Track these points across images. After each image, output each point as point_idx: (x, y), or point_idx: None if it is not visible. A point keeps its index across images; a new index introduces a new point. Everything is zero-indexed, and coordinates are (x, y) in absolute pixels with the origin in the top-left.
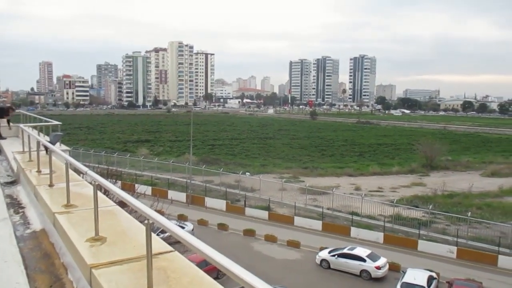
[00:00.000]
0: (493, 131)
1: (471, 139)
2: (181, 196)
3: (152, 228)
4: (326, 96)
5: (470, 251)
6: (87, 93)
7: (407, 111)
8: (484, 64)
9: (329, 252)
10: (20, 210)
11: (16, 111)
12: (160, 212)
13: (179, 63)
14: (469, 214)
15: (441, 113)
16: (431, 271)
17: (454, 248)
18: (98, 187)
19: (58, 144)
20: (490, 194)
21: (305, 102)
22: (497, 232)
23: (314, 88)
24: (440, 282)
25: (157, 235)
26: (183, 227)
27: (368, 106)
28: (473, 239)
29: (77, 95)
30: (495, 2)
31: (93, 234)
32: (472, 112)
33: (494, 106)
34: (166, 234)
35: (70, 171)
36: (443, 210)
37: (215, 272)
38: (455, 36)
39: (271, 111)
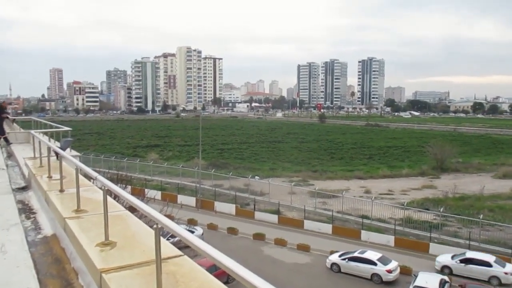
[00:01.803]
0: (504, 132)
1: (481, 140)
2: (191, 201)
3: (161, 233)
4: (334, 99)
5: None
6: (97, 99)
7: (416, 113)
8: (494, 65)
9: (340, 256)
10: (32, 216)
11: (27, 117)
12: (170, 216)
13: (188, 68)
14: (481, 216)
15: (451, 114)
16: (443, 274)
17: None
18: (108, 192)
19: (68, 150)
20: (502, 196)
21: (313, 105)
22: (510, 234)
23: (322, 91)
24: (453, 286)
25: (167, 239)
26: (192, 232)
27: (377, 108)
28: (486, 242)
29: (87, 101)
30: (502, 1)
31: (103, 238)
32: (480, 115)
33: (505, 107)
34: (176, 239)
35: (80, 177)
36: (455, 213)
37: (225, 276)
38: (464, 36)
39: (279, 114)
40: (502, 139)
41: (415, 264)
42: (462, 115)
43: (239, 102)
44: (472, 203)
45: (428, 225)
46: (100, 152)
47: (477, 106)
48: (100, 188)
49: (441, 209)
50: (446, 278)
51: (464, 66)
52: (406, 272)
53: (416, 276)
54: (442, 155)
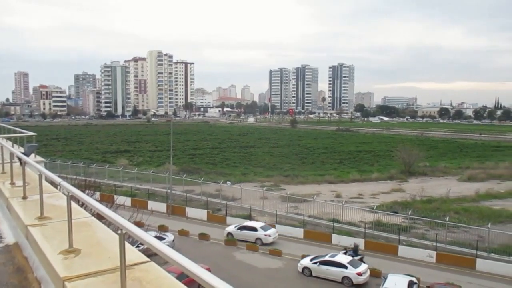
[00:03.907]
0: (469, 137)
1: (447, 145)
2: (162, 207)
3: (131, 241)
4: (306, 104)
5: (449, 255)
6: (65, 104)
7: (385, 118)
8: (459, 72)
9: (311, 260)
10: None
11: None
12: (140, 223)
13: (159, 73)
14: (447, 218)
15: (419, 119)
16: (411, 276)
17: (434, 253)
18: (73, 199)
19: (33, 155)
20: (467, 199)
21: (285, 110)
22: (475, 236)
23: (294, 97)
24: (421, 287)
25: (136, 247)
26: (163, 238)
27: (347, 113)
28: (452, 243)
29: (54, 106)
30: (469, 12)
31: (67, 246)
32: (446, 120)
33: (470, 112)
34: (145, 246)
35: (45, 183)
36: (422, 215)
37: (196, 284)
38: (431, 45)
39: (251, 119)
40: (467, 143)
41: (385, 266)
42: (429, 120)
43: (211, 107)
44: (439, 205)
45: (397, 227)
46: (67, 158)
47: (443, 112)
48: (65, 194)
49: (409, 212)
50: (414, 279)
51: (430, 73)
52: (376, 274)
53: (385, 278)
54: (410, 159)
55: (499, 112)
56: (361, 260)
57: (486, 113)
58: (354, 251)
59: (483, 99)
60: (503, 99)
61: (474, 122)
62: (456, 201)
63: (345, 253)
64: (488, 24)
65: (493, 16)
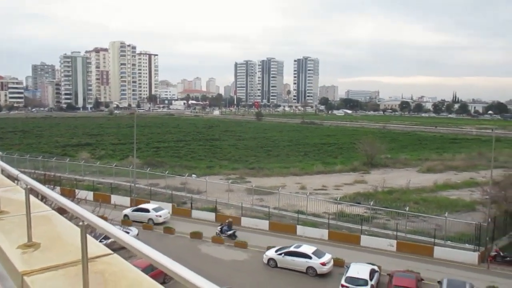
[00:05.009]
0: (428, 129)
1: (408, 137)
2: (125, 201)
3: (94, 234)
4: (271, 97)
5: (409, 243)
6: (22, 95)
7: (349, 111)
8: (419, 67)
9: (276, 251)
10: None
11: None
12: (103, 217)
13: (121, 64)
14: (407, 208)
15: (381, 112)
16: (373, 264)
17: (394, 242)
18: (32, 192)
19: None
20: (426, 189)
21: (250, 103)
22: (433, 224)
23: (259, 89)
24: (382, 275)
25: (100, 241)
26: (127, 232)
27: (312, 106)
28: (411, 232)
29: (10, 97)
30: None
31: (26, 240)
32: (406, 114)
33: (429, 106)
34: (110, 240)
35: (2, 177)
36: (384, 206)
37: (162, 277)
38: (393, 40)
39: (217, 112)
40: (426, 136)
41: (348, 256)
42: (391, 113)
43: (175, 100)
44: (399, 196)
45: (360, 218)
46: (25, 152)
47: (404, 105)
48: (23, 188)
49: (371, 203)
50: (375, 267)
51: (392, 67)
52: (339, 264)
53: (348, 267)
54: (372, 151)
55: (456, 106)
56: (234, 234)
57: (444, 106)
58: (228, 226)
59: (442, 93)
60: (460, 93)
61: (434, 115)
62: (415, 192)
63: (221, 229)
64: (448, 21)
65: (453, 13)
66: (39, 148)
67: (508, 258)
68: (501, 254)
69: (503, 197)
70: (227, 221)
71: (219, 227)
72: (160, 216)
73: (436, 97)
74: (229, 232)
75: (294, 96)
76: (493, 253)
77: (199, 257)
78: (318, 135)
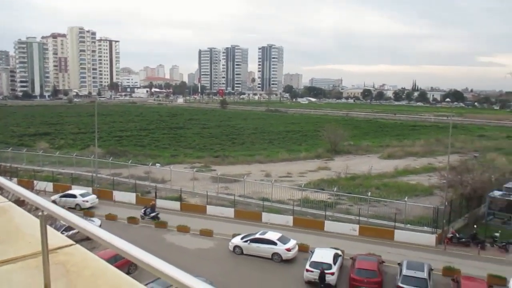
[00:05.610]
0: (389, 117)
1: (370, 124)
2: (49, 186)
3: (55, 226)
4: (236, 85)
5: (371, 228)
6: None
7: (313, 99)
8: (380, 55)
9: (242, 238)
10: None
11: None
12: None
13: (81, 50)
14: (369, 194)
15: (344, 100)
16: (336, 249)
17: (357, 226)
18: None
19: None
20: (387, 175)
21: (215, 91)
22: (393, 209)
23: (224, 77)
24: (345, 259)
25: (62, 233)
26: None
27: (276, 94)
28: (373, 217)
29: None
30: None
31: None
32: (368, 101)
33: (390, 94)
34: (73, 231)
35: None
36: (347, 192)
37: (126, 267)
38: (355, 29)
39: (180, 100)
40: (387, 123)
41: (312, 241)
42: (354, 101)
43: (138, 87)
44: (362, 182)
45: (323, 204)
46: None
47: (366, 93)
48: None
49: (335, 189)
50: (339, 252)
51: (354, 56)
52: (304, 249)
53: (312, 252)
54: (336, 139)
55: (416, 94)
56: (157, 216)
57: (404, 94)
58: (152, 208)
59: (402, 82)
60: (419, 81)
61: (395, 103)
62: (377, 178)
63: (144, 212)
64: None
65: (413, 3)
66: None
67: (463, 239)
68: (457, 235)
69: (459, 181)
70: (150, 203)
71: (143, 209)
72: (87, 201)
73: (397, 85)
74: (152, 214)
75: (259, 84)
76: (449, 235)
77: (164, 246)
78: (283, 122)
